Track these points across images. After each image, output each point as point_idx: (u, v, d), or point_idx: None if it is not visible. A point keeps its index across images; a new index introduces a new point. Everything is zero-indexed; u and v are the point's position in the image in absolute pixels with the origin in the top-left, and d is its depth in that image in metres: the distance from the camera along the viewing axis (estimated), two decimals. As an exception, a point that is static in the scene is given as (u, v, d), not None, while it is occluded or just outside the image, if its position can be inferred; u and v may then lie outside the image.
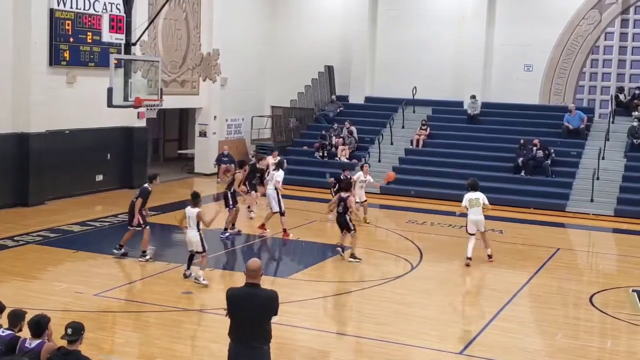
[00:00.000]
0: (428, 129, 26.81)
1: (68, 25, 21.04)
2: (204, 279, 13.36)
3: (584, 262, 18.01)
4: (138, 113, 22.63)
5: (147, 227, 15.12)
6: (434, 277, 15.10)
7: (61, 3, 20.79)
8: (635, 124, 24.63)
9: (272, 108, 29.13)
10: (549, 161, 24.00)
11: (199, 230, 13.56)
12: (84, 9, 21.49)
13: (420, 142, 26.46)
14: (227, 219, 17.64)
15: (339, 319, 12.81)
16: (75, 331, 6.97)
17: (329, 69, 29.93)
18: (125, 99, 15.92)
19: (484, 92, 27.67)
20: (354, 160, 25.46)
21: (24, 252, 15.57)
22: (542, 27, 26.98)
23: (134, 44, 17.11)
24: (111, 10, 21.11)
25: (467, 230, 15.94)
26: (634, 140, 24.36)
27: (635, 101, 25.66)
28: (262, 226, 18.07)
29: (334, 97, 29.53)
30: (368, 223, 19.63)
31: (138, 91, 16.33)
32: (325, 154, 26.41)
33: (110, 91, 15.58)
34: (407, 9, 28.94)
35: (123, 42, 16.62)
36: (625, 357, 11.13)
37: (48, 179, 20.55)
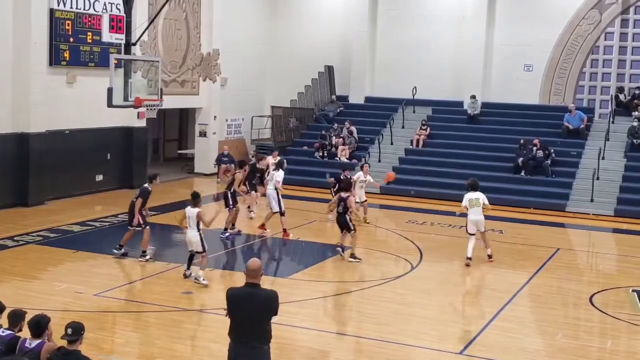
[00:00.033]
0: (428, 129, 26.81)
1: (68, 25, 21.04)
2: (203, 279, 13.37)
3: (584, 262, 18.01)
4: (138, 113, 22.63)
5: (147, 227, 15.12)
6: (434, 277, 15.10)
7: (61, 3, 20.79)
8: (635, 124, 24.63)
9: (272, 108, 29.13)
10: (549, 161, 24.00)
11: (199, 230, 13.56)
12: (84, 9, 21.49)
13: (420, 142, 26.46)
14: (227, 219, 17.65)
15: (339, 319, 12.81)
16: (75, 331, 6.97)
17: (329, 69, 29.93)
18: (125, 99, 15.92)
19: (484, 92, 27.67)
20: (354, 160, 25.46)
21: (24, 252, 15.57)
22: (542, 27, 26.98)
23: (134, 44, 17.11)
24: (111, 10, 21.11)
25: (467, 230, 15.95)
26: (634, 140, 24.36)
27: (635, 101, 25.66)
28: (262, 226, 18.07)
29: (334, 97, 29.53)
30: (368, 223, 19.64)
31: (138, 91, 16.33)
32: (325, 154, 26.41)
33: (110, 91, 15.58)
34: (407, 9, 28.95)
35: (123, 42, 16.61)
36: (625, 357, 11.13)
37: (48, 179, 20.55)
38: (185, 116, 29.93)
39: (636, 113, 25.05)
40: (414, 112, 27.92)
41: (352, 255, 15.60)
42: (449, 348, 10.90)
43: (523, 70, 27.55)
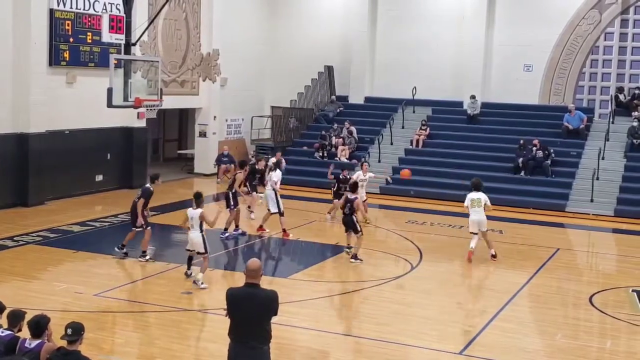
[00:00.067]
0: (428, 129, 26.81)
1: (68, 25, 21.04)
2: (202, 283, 13.28)
3: (583, 262, 18.01)
4: (138, 113, 22.64)
5: (149, 227, 15.13)
6: (434, 277, 15.10)
7: (61, 3, 20.80)
8: (635, 124, 24.63)
9: (272, 108, 29.13)
10: (548, 161, 24.00)
11: (201, 231, 13.54)
12: (84, 9, 21.50)
13: (420, 142, 26.46)
14: (227, 219, 17.65)
15: (339, 319, 12.81)
16: (75, 331, 6.97)
17: (329, 69, 29.93)
18: (125, 99, 15.92)
19: (483, 92, 27.68)
20: (354, 161, 25.46)
21: (24, 252, 15.57)
22: (541, 27, 26.99)
23: (134, 44, 17.11)
24: (111, 11, 21.12)
25: (470, 230, 16.00)
26: (634, 141, 24.36)
27: (635, 101, 25.66)
28: (261, 227, 18.06)
29: (333, 97, 29.53)
30: (368, 223, 19.61)
31: (138, 91, 16.33)
32: (325, 154, 26.41)
33: (110, 91, 15.58)
34: (407, 9, 28.95)
35: (123, 42, 16.61)
36: (624, 357, 11.13)
37: (48, 179, 20.55)
38: (185, 116, 29.93)
39: (636, 113, 25.05)
40: (413, 112, 27.93)
41: (354, 256, 15.60)
42: (449, 348, 10.91)
43: (523, 70, 27.56)
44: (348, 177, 18.85)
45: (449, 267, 15.91)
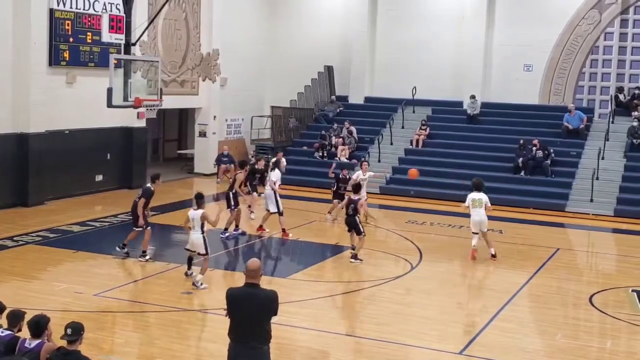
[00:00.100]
0: (428, 129, 26.81)
1: (68, 25, 21.03)
2: (202, 284, 13.27)
3: (583, 262, 18.01)
4: (138, 113, 22.63)
5: (149, 227, 15.13)
6: (434, 277, 15.10)
7: (61, 3, 20.79)
8: (634, 124, 24.63)
9: (272, 108, 29.12)
10: (548, 161, 24.00)
11: (202, 232, 13.52)
12: (84, 9, 21.49)
13: (420, 142, 26.46)
14: (228, 219, 17.65)
15: (339, 319, 12.80)
16: (75, 331, 6.97)
17: (329, 69, 29.93)
18: (125, 99, 15.91)
19: (483, 92, 27.68)
20: (354, 160, 25.45)
21: (24, 252, 15.57)
22: (541, 27, 26.99)
23: (134, 44, 17.10)
24: (111, 10, 21.11)
25: (472, 230, 16.01)
26: (634, 140, 24.36)
27: (635, 101, 25.66)
28: (260, 228, 18.05)
29: (333, 97, 29.53)
30: (368, 223, 19.60)
31: (138, 91, 16.33)
32: (325, 154, 26.41)
33: (110, 91, 15.58)
34: (407, 9, 28.95)
35: (123, 42, 16.60)
36: (624, 357, 11.13)
37: (48, 179, 20.55)
38: (185, 116, 29.93)
39: (636, 113, 25.05)
40: (413, 112, 27.93)
41: (354, 256, 15.59)
42: (449, 348, 10.90)
43: (523, 70, 27.56)
44: (348, 176, 18.83)
45: (449, 267, 15.91)
